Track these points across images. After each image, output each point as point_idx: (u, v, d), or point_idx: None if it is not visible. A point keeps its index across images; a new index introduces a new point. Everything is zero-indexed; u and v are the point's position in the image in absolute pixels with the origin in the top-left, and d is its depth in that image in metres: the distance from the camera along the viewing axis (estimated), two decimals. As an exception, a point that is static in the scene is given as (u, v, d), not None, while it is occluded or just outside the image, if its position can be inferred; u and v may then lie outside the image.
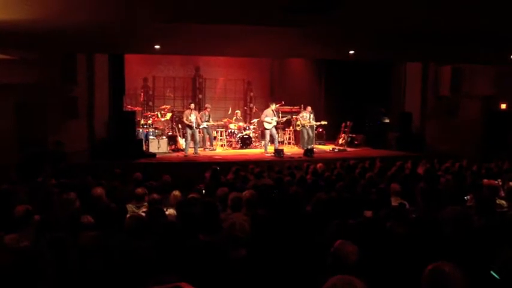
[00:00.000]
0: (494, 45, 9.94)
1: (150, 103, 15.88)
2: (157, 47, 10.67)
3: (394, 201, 5.80)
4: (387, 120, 14.55)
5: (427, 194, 6.05)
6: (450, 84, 13.80)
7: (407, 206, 5.61)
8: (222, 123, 14.46)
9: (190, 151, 12.65)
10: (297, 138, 14.67)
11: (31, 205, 4.64)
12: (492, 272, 2.86)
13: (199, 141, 13.23)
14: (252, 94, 17.17)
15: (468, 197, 6.10)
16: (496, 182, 6.81)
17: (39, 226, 4.46)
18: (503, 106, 13.85)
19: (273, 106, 13.34)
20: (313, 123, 14.06)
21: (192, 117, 12.61)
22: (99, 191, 5.83)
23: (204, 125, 13.18)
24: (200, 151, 13.09)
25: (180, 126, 13.73)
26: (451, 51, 11.21)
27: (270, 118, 13.04)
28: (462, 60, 12.91)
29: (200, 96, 16.59)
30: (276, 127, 13.50)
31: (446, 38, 9.21)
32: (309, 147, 13.10)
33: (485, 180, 6.74)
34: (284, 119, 13.99)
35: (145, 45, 10.76)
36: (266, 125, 13.06)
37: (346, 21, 7.63)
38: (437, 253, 3.46)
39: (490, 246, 3.69)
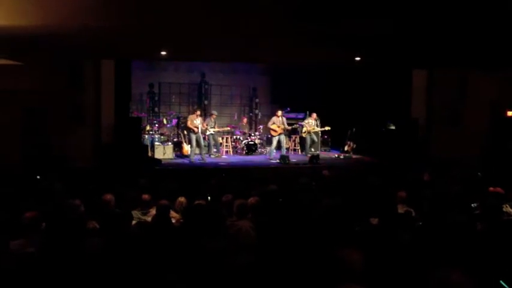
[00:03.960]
0: (500, 51, 9.91)
1: (156, 109, 15.89)
2: (163, 53, 10.73)
3: (401, 209, 5.77)
4: (393, 127, 14.47)
5: (434, 201, 6.03)
6: (456, 91, 13.74)
7: (413, 213, 5.58)
8: (228, 129, 14.47)
9: (196, 157, 12.63)
10: (303, 144, 14.66)
11: (37, 211, 4.64)
12: (501, 282, 2.84)
13: (205, 147, 13.23)
14: (257, 100, 17.15)
15: (475, 204, 6.06)
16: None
17: (45, 232, 4.46)
18: (510, 113, 13.77)
19: (280, 113, 13.39)
20: (318, 129, 14.14)
21: (197, 122, 12.61)
22: (108, 197, 5.78)
23: (211, 131, 13.19)
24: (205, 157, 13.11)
25: (185, 132, 13.73)
26: (457, 58, 11.18)
27: (276, 125, 13.14)
28: (468, 66, 12.86)
29: (206, 102, 16.59)
30: (284, 134, 13.51)
31: (452, 44, 9.20)
32: (315, 153, 13.09)
33: (491, 188, 6.69)
34: (290, 127, 13.98)
35: (152, 51, 10.82)
36: (273, 132, 13.21)
37: (352, 28, 7.63)
38: (444, 260, 3.43)
39: (496, 254, 3.67)
